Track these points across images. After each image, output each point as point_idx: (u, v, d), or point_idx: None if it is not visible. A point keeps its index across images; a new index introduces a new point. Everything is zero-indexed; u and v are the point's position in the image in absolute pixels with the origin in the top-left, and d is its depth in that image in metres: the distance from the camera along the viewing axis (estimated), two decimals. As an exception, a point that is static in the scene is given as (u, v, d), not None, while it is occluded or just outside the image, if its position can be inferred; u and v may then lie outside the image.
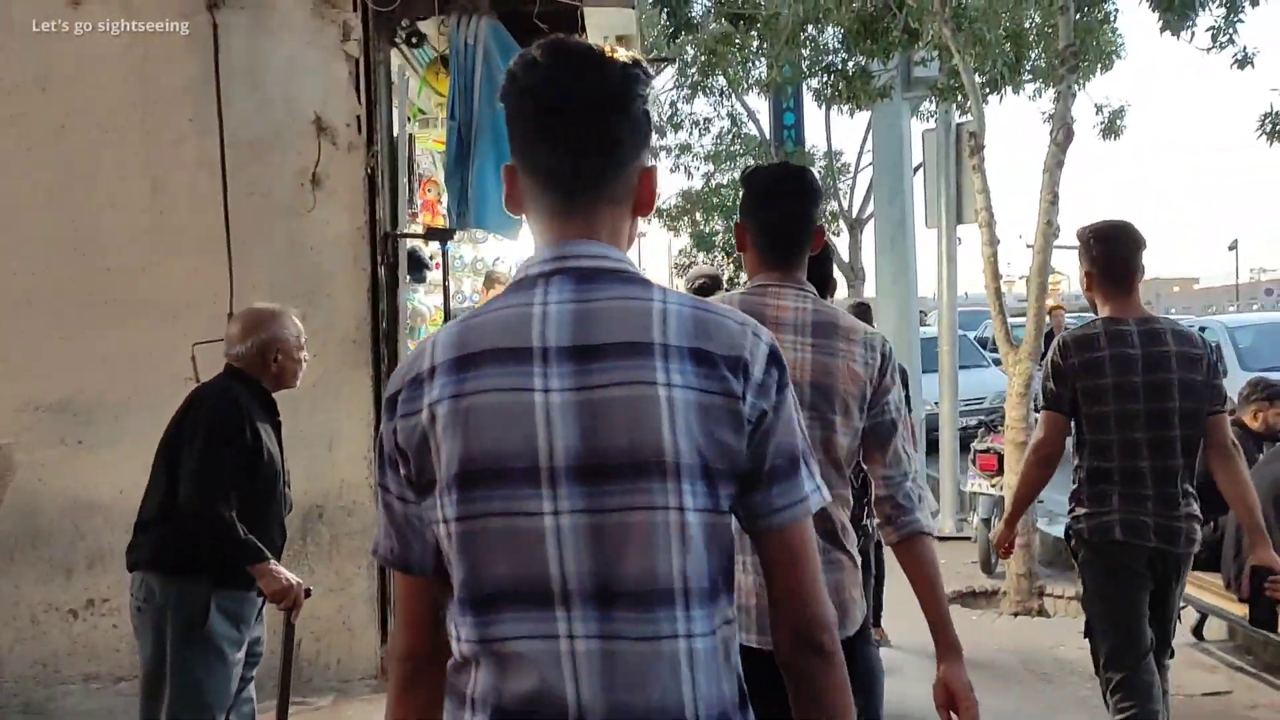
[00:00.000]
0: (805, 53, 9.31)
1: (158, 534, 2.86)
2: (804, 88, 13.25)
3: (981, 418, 9.11)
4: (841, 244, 12.23)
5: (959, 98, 8.11)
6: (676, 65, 11.76)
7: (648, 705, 1.07)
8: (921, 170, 8.90)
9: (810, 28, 8.98)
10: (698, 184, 13.72)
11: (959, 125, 8.44)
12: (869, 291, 12.64)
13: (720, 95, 12.47)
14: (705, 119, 12.82)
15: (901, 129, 9.23)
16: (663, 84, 13.88)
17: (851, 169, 13.00)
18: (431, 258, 5.21)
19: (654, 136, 9.99)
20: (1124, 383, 2.91)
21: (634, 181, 1.20)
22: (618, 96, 1.15)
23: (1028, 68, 9.46)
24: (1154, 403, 2.93)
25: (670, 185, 14.63)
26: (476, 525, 1.10)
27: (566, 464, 1.08)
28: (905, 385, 3.35)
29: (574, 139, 1.15)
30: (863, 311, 5.82)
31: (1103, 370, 2.93)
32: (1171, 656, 3.20)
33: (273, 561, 2.88)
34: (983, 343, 13.19)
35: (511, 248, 7.37)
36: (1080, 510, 3.03)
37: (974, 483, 7.37)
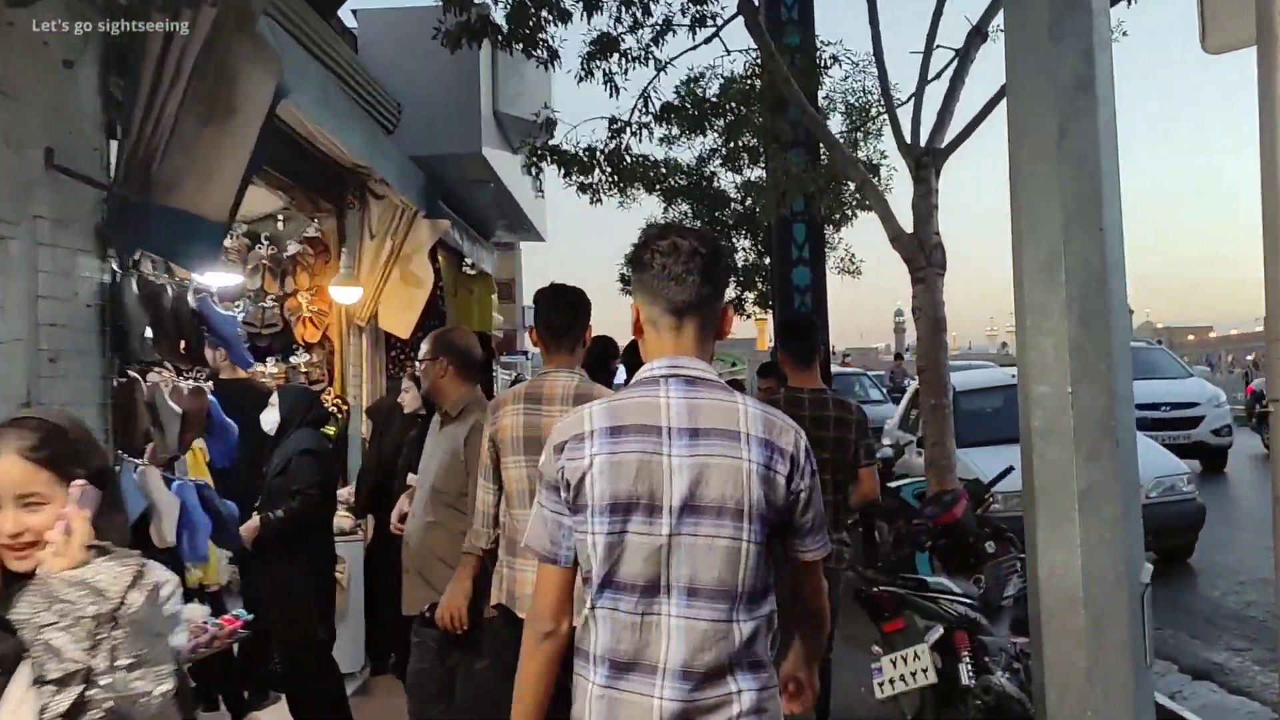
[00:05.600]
0: None
1: None
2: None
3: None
4: (899, 199, 6.33)
5: None
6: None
7: (712, 663, 1.75)
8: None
9: None
10: (627, 104, 7.48)
11: None
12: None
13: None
14: (644, -1, 6.99)
15: None
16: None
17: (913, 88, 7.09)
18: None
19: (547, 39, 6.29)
20: None
21: (719, 315, 1.93)
22: (713, 262, 1.87)
23: None
24: (815, 453, 3.67)
25: (582, 106, 8.41)
26: (616, 538, 1.77)
27: (678, 502, 1.77)
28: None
29: (686, 289, 1.85)
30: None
31: None
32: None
33: None
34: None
35: None
36: None
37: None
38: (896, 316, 55.90)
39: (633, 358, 4.58)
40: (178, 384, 3.95)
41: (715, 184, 11.62)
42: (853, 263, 12.11)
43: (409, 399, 5.29)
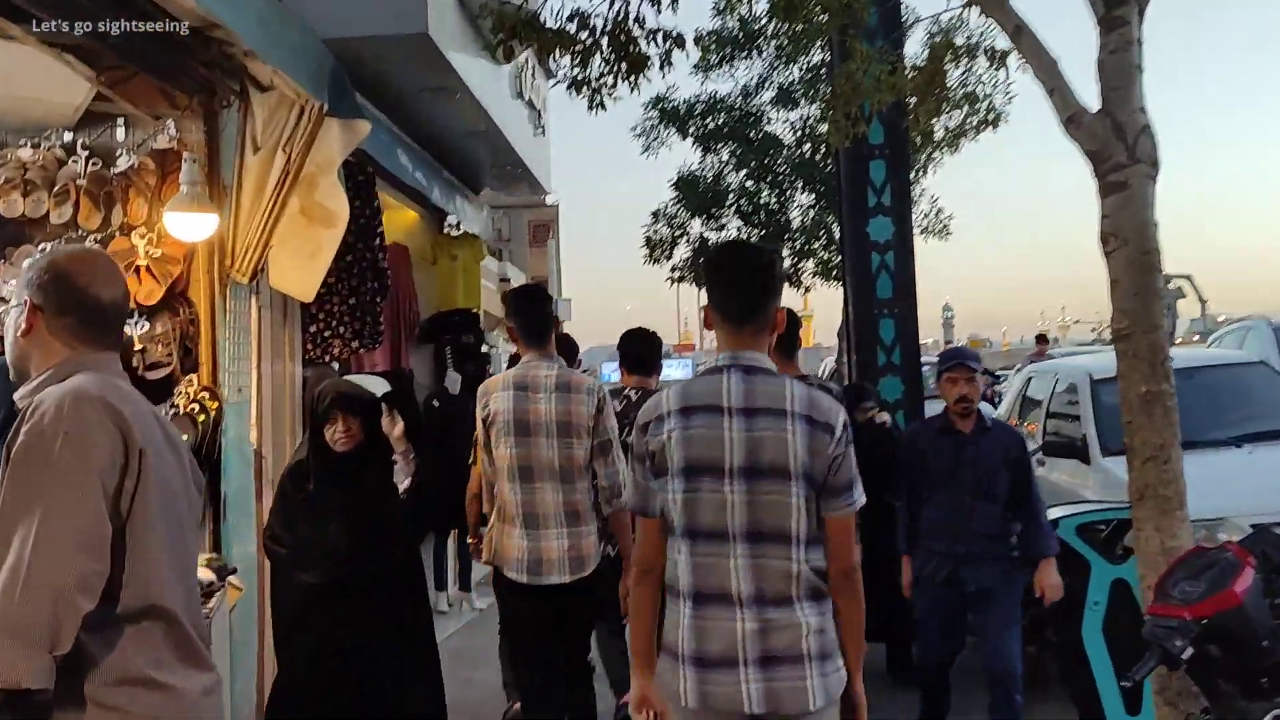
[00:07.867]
0: None
1: None
2: None
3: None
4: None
5: None
6: None
7: (773, 593, 2.19)
8: None
9: None
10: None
11: None
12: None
13: None
14: None
15: None
16: None
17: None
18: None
19: None
20: None
21: (774, 315, 2.34)
22: (769, 278, 2.35)
23: None
24: None
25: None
26: (692, 496, 2.23)
27: (739, 467, 2.20)
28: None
29: (743, 294, 2.32)
30: None
31: None
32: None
33: None
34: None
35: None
36: None
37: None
38: (945, 312, 52.89)
39: (629, 347, 4.84)
40: None
41: (764, 124, 9.25)
42: (939, 219, 9.64)
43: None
